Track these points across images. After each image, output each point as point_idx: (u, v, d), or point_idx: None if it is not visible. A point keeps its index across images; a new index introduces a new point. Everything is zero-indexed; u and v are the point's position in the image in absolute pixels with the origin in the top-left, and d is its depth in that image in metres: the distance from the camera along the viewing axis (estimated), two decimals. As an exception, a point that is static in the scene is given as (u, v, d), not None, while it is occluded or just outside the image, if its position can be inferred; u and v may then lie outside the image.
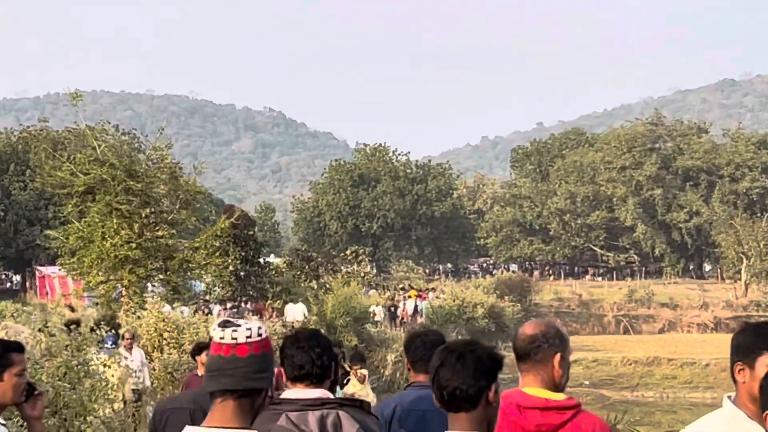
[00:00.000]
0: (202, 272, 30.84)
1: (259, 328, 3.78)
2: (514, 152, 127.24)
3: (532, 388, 4.51)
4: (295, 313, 41.40)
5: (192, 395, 5.78)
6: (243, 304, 46.09)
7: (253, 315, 39.88)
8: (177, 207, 29.80)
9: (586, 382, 43.36)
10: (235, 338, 3.69)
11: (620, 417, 19.41)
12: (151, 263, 28.01)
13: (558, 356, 4.52)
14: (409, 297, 55.80)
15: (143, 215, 28.34)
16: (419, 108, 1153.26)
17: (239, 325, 3.73)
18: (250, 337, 3.71)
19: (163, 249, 28.44)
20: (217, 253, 30.06)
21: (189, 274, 31.30)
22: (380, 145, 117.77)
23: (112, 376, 15.88)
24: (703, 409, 41.00)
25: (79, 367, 13.91)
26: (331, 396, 4.97)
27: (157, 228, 28.84)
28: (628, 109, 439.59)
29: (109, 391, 14.81)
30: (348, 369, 16.13)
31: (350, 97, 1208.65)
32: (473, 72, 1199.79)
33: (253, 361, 3.71)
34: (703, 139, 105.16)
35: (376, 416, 5.15)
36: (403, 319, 52.61)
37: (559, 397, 4.48)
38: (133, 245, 27.46)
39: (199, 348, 11.43)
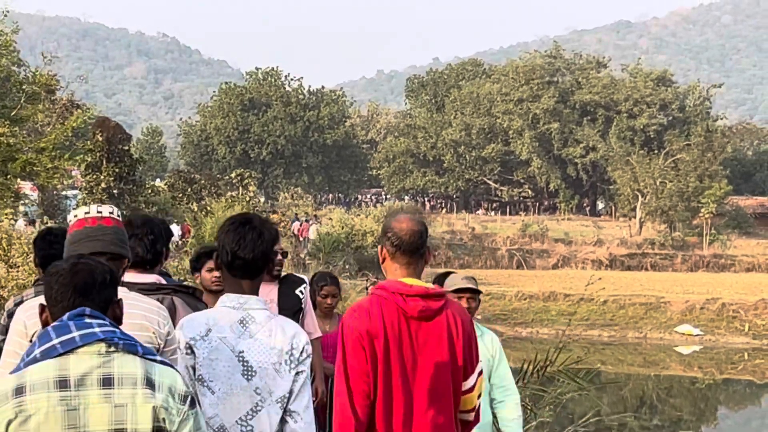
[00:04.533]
0: (48, 177, 27.04)
1: (116, 209, 4.31)
2: (409, 81, 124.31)
3: (410, 279, 4.60)
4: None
5: None
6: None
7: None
8: (22, 101, 26.15)
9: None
10: (100, 212, 4.21)
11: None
12: (-13, 165, 24.32)
13: (428, 250, 4.69)
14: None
15: (-23, 109, 24.67)
16: (315, 40, 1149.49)
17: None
18: (112, 213, 4.24)
19: (3, 149, 24.72)
20: (67, 156, 26.66)
21: (35, 178, 27.79)
22: (272, 69, 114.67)
23: None
24: (599, 347, 39.31)
25: None
26: (164, 282, 5.15)
27: (-6, 125, 25.17)
28: (524, 47, 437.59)
29: None
30: None
31: (246, 27, 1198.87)
32: (369, 5, 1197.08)
33: (118, 231, 4.18)
34: (602, 74, 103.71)
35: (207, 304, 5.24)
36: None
37: (431, 285, 4.65)
38: (-35, 144, 23.81)
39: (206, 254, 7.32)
